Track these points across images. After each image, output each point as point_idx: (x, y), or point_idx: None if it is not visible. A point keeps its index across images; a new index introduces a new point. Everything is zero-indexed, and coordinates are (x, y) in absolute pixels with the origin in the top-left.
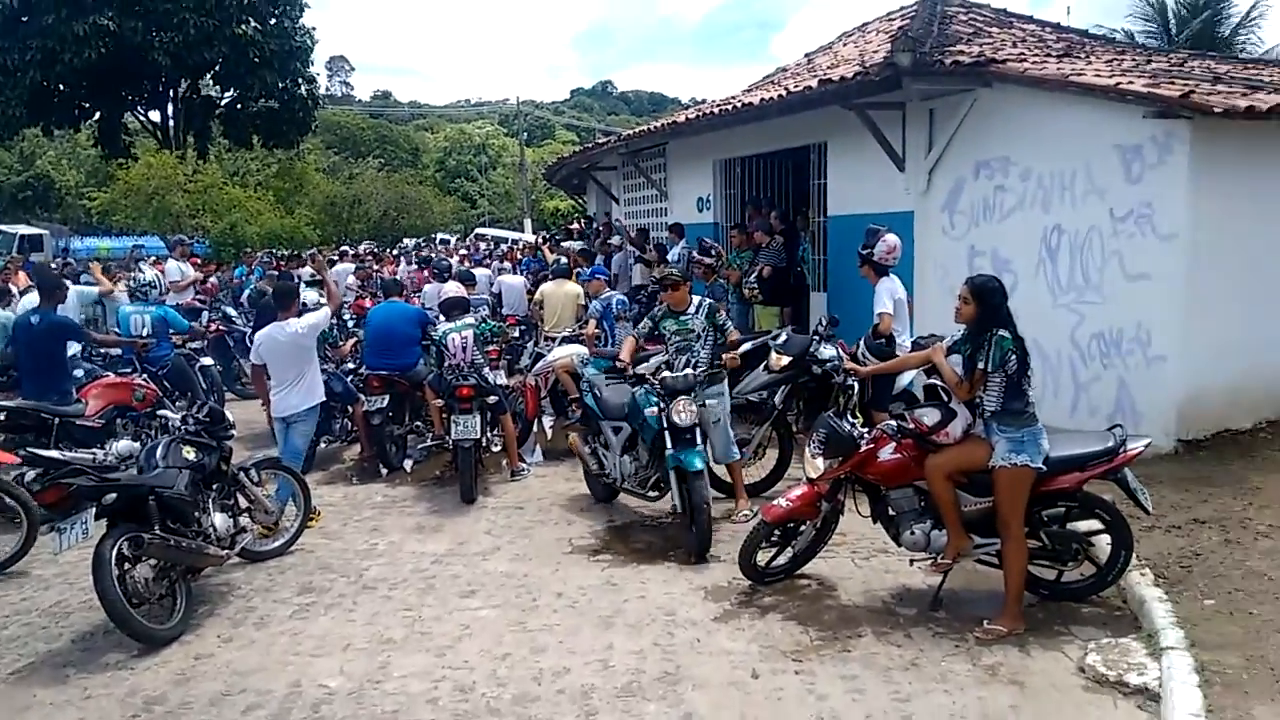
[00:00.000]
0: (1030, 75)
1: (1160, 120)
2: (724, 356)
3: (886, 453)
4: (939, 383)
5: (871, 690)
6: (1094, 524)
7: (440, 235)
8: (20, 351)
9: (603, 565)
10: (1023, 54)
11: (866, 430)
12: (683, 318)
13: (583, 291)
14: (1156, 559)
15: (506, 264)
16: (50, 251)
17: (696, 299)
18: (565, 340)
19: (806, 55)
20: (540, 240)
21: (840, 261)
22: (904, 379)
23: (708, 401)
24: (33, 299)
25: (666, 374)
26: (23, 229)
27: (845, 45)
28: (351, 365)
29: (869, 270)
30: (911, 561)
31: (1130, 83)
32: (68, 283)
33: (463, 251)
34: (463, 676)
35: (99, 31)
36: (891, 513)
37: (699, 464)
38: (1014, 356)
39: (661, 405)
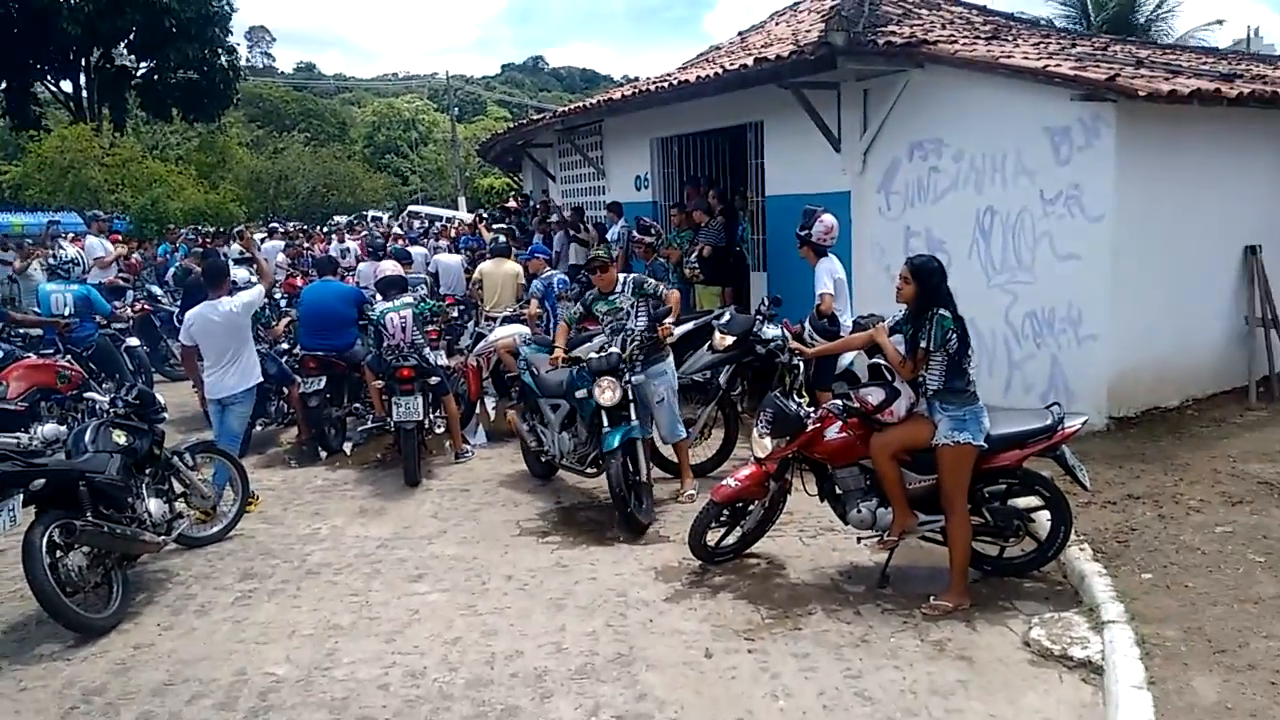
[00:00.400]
0: (961, 57)
1: (1087, 103)
2: (658, 329)
3: (833, 432)
4: (883, 362)
5: (823, 667)
6: (1034, 500)
7: (372, 212)
8: None
9: (552, 547)
10: (953, 36)
11: (812, 410)
12: (611, 297)
13: (522, 270)
14: (1094, 534)
15: (443, 242)
16: None
17: (623, 277)
18: (506, 320)
19: (740, 34)
20: (477, 219)
21: (779, 241)
22: (845, 358)
23: (651, 380)
24: None
25: (591, 355)
26: None
27: (778, 24)
28: (285, 345)
29: (808, 251)
30: (859, 539)
31: (1058, 65)
32: None
33: (397, 230)
34: (414, 662)
35: None
36: (838, 491)
37: (614, 442)
38: (955, 335)
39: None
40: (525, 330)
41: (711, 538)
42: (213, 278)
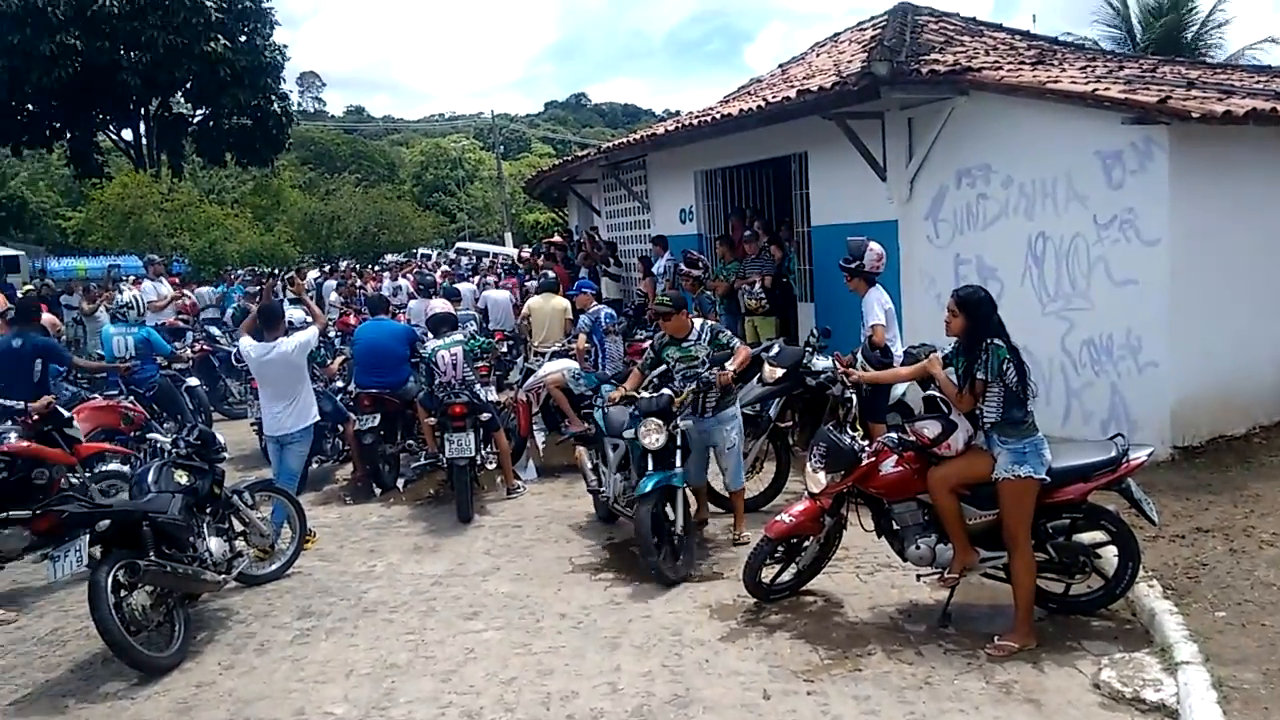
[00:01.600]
0: (1007, 83)
1: (1138, 126)
2: (716, 373)
3: (888, 466)
4: (938, 394)
5: (886, 711)
6: (1100, 535)
7: (422, 250)
8: (3, 375)
9: (605, 584)
10: (997, 62)
11: (866, 443)
12: (685, 344)
13: (570, 305)
14: (1164, 570)
15: (491, 278)
16: (27, 273)
17: (699, 323)
18: (555, 355)
19: (780, 66)
20: (531, 254)
21: (826, 272)
22: (897, 390)
23: (723, 426)
24: None
25: (643, 394)
26: None
27: (819, 56)
28: (340, 384)
29: (859, 282)
30: (918, 576)
31: (1106, 89)
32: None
33: (445, 267)
34: (470, 702)
35: (66, 51)
36: (895, 527)
37: (646, 486)
38: (1011, 366)
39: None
40: (574, 365)
41: (766, 574)
42: (268, 320)
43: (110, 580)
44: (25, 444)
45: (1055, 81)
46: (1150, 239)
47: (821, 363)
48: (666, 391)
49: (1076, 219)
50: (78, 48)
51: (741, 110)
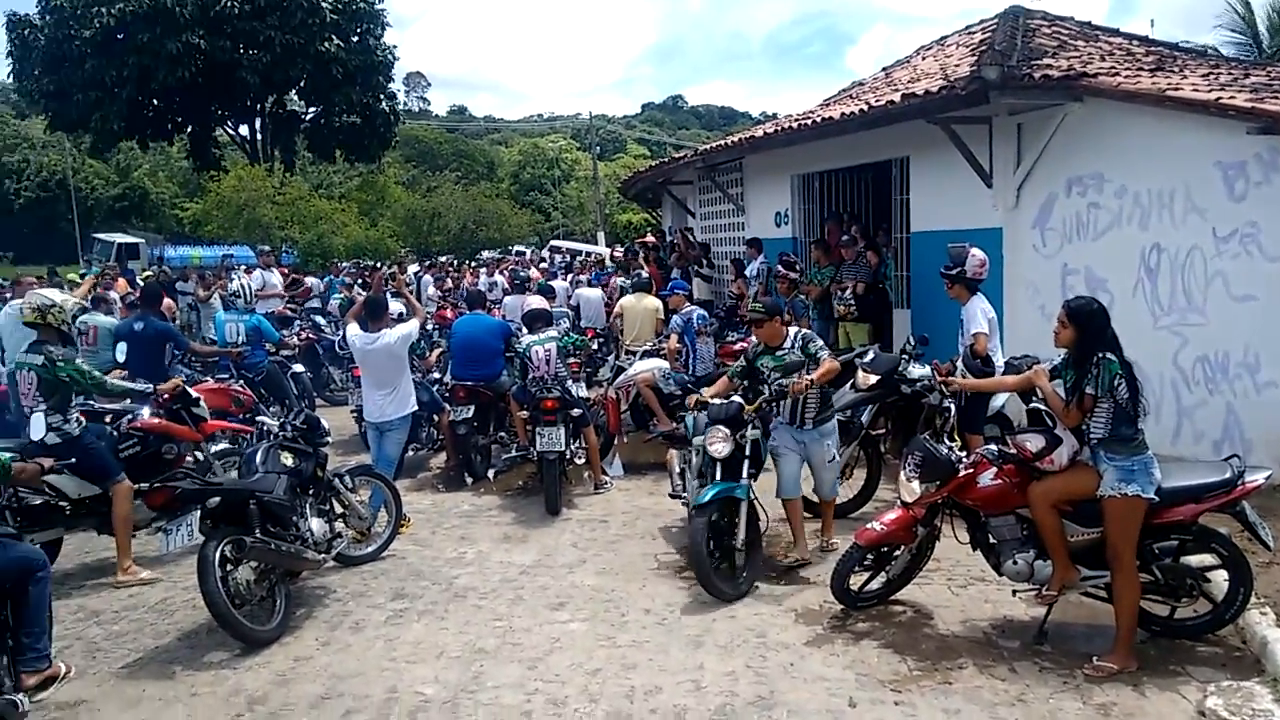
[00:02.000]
0: (1124, 90)
1: (1265, 136)
2: (790, 383)
3: (987, 478)
4: (1043, 407)
5: None
6: (1209, 559)
7: (517, 247)
8: (129, 358)
9: (690, 583)
10: (1114, 68)
11: (964, 454)
12: (779, 353)
13: (662, 306)
14: (1277, 597)
15: (583, 276)
16: (146, 259)
17: (793, 331)
18: (646, 354)
19: (884, 69)
20: (623, 254)
21: (924, 279)
22: (997, 401)
23: (824, 439)
24: None
25: (714, 401)
26: (120, 237)
27: (924, 59)
28: (437, 375)
29: (960, 289)
30: (1014, 592)
31: (1231, 98)
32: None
33: (543, 264)
34: (555, 690)
35: (190, 50)
36: (992, 540)
37: (703, 498)
38: (1123, 381)
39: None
40: (664, 365)
41: (855, 582)
42: (374, 311)
43: (218, 555)
44: (156, 420)
45: (1176, 89)
46: (1273, 254)
47: (918, 370)
48: (736, 399)
49: (1194, 231)
50: (201, 46)
51: (843, 113)
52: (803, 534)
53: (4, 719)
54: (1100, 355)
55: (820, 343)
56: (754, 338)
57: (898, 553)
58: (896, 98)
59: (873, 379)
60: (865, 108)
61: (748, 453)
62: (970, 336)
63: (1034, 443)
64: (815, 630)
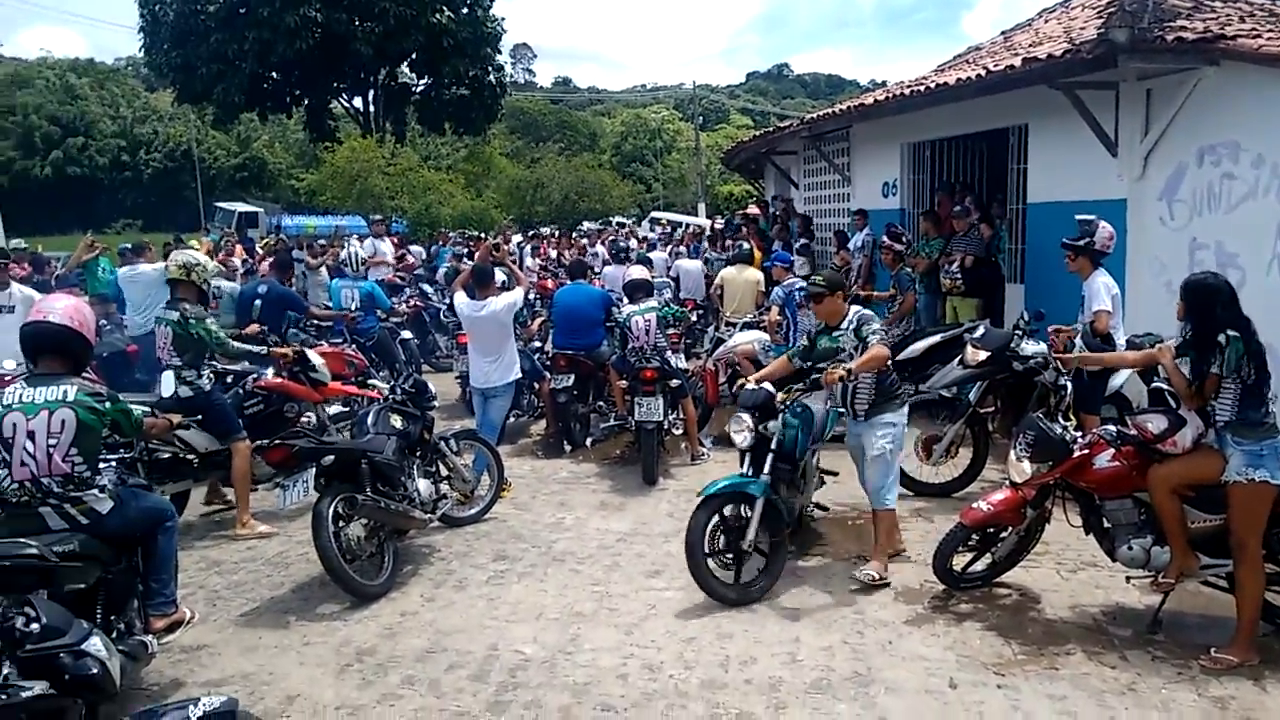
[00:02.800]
0: (1267, 53)
1: None
2: (823, 376)
3: (1103, 460)
4: (1165, 387)
5: (1083, 713)
6: None
7: (616, 219)
8: (261, 317)
9: (787, 557)
10: (1255, 29)
11: (1079, 434)
12: (835, 333)
13: (763, 278)
14: None
15: (683, 248)
16: (264, 228)
17: (853, 310)
18: (746, 326)
19: (1003, 33)
20: (726, 227)
21: (1040, 252)
22: (1116, 380)
23: (874, 430)
24: None
25: (749, 386)
26: (240, 206)
27: (1047, 22)
28: (538, 344)
29: (1084, 262)
30: (1127, 578)
31: None
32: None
33: (646, 233)
34: (650, 655)
35: (308, 23)
36: (1106, 525)
37: (709, 490)
38: (1251, 362)
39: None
40: (764, 337)
41: (958, 562)
42: (481, 280)
43: (331, 511)
44: (279, 381)
45: None
46: None
47: (1031, 347)
48: (766, 387)
49: None
50: (318, 20)
51: (959, 79)
52: (885, 545)
53: (134, 658)
54: (1226, 334)
55: (876, 325)
56: (813, 314)
57: (1004, 534)
58: (1016, 62)
59: (982, 355)
60: (983, 72)
61: (773, 445)
62: (1091, 313)
63: (1155, 424)
64: (915, 609)
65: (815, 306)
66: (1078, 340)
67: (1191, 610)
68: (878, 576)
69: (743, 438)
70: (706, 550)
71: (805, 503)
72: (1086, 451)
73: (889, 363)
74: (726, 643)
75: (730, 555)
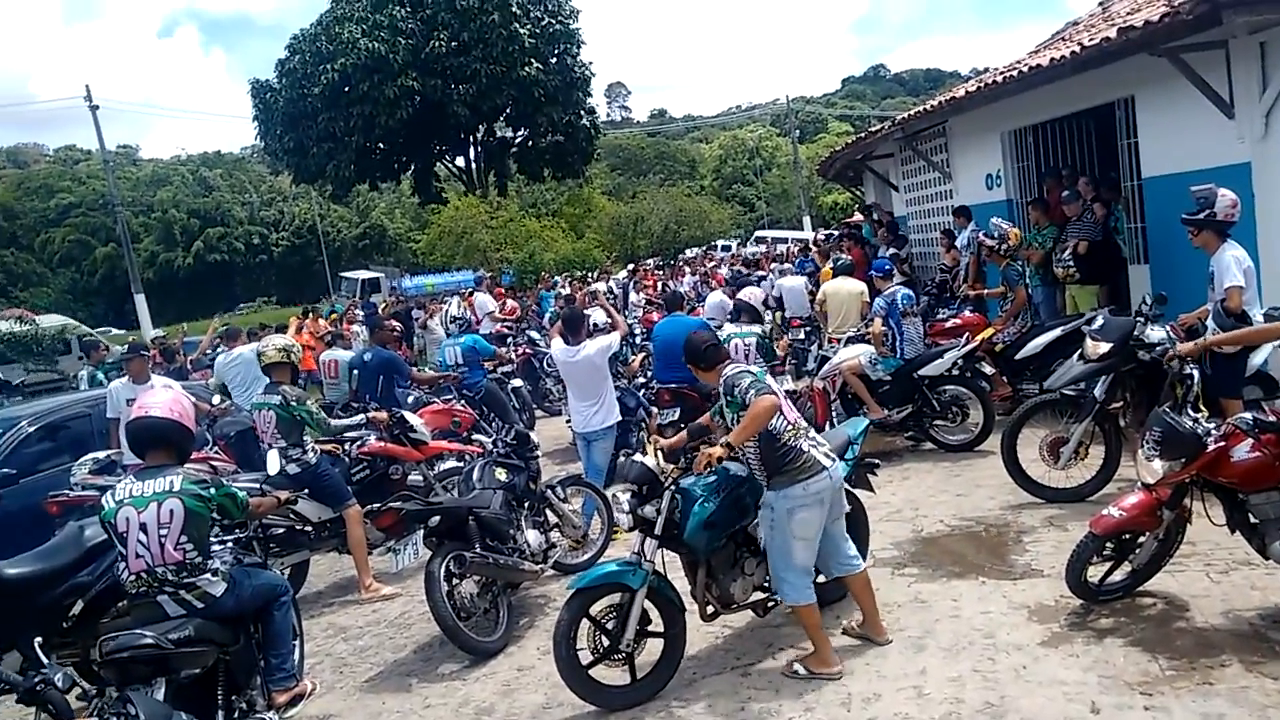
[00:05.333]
0: None
1: None
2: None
3: (1242, 451)
4: None
5: None
6: None
7: (721, 243)
8: (358, 385)
9: (909, 580)
10: None
11: (1214, 425)
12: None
13: (866, 289)
14: None
15: (786, 265)
16: (385, 291)
17: (727, 369)
18: (850, 340)
19: (1100, 4)
20: (823, 240)
21: (1162, 229)
22: (1256, 359)
23: (768, 509)
24: None
25: (633, 458)
26: (362, 274)
27: None
28: (642, 380)
29: (1209, 236)
30: None
31: None
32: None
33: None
34: (767, 699)
35: (406, 92)
36: (1254, 520)
37: (578, 585)
38: None
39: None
40: (870, 350)
41: (1093, 574)
42: (571, 325)
43: (443, 570)
44: (381, 444)
45: None
46: None
47: (1157, 334)
48: (639, 460)
49: None
50: (415, 88)
51: (1052, 59)
52: (819, 644)
53: None
54: None
55: (748, 382)
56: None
57: (1141, 540)
58: (1113, 34)
59: (1103, 348)
60: (1078, 49)
61: (658, 530)
62: (1223, 290)
63: None
64: (1051, 629)
65: (700, 375)
66: (1209, 321)
67: None
68: (803, 672)
69: (622, 518)
70: (591, 653)
71: (760, 581)
72: (1223, 444)
73: (779, 422)
74: (848, 680)
75: (619, 655)
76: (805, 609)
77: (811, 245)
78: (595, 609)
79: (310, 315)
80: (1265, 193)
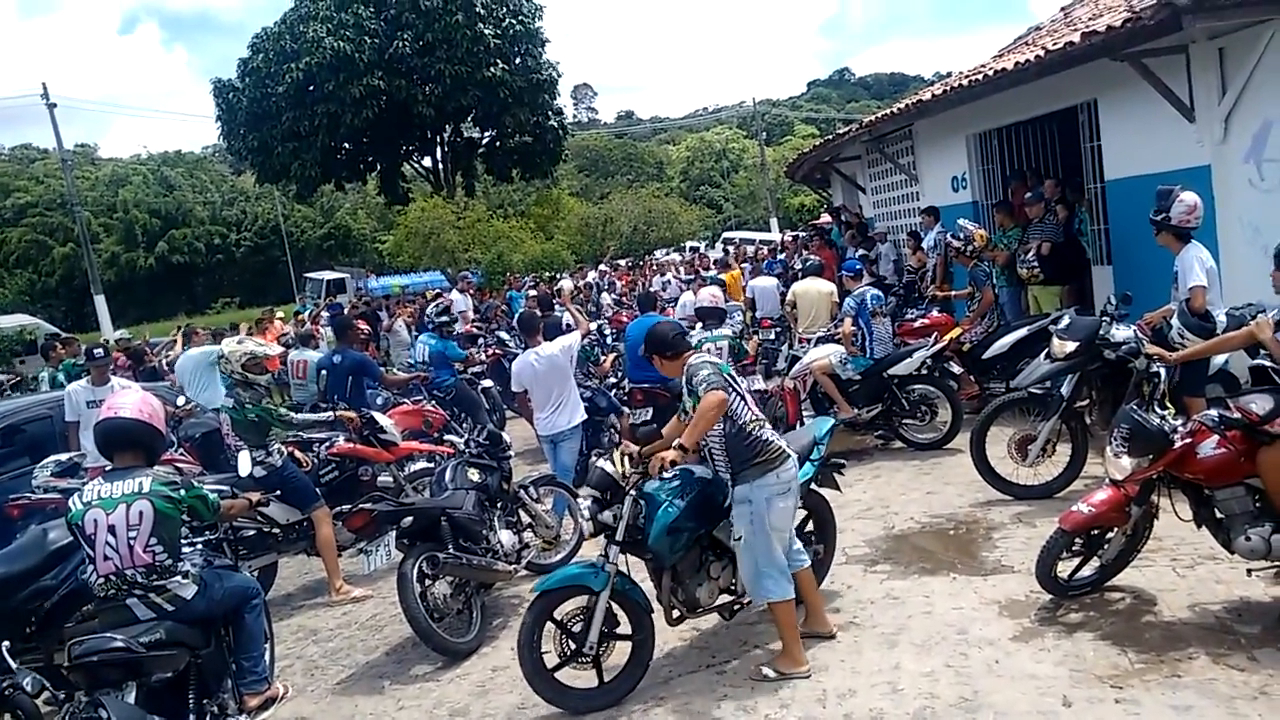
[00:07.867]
0: None
1: None
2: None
3: (1208, 448)
4: (1269, 364)
5: None
6: None
7: (690, 244)
8: (327, 386)
9: (881, 577)
10: None
11: (1180, 422)
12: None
13: (836, 289)
14: None
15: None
16: (351, 292)
17: (691, 359)
18: (820, 340)
19: (1062, 9)
20: (791, 240)
21: (1125, 230)
22: (1219, 358)
23: (737, 509)
24: None
25: (597, 463)
26: (327, 275)
27: None
28: (613, 380)
29: (1169, 237)
30: (1249, 571)
31: None
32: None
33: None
34: (743, 695)
35: (371, 92)
36: (1220, 515)
37: (542, 586)
38: None
39: None
40: (840, 350)
41: (1063, 569)
42: (525, 328)
43: (415, 571)
44: (351, 445)
45: None
46: None
47: (1122, 333)
48: (605, 465)
49: None
50: (381, 87)
51: (1017, 63)
52: (789, 642)
53: None
54: None
55: (706, 372)
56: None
57: (1110, 535)
58: (1076, 38)
59: (1070, 346)
60: (1041, 53)
61: (619, 536)
62: (1187, 291)
63: (1260, 404)
64: (1022, 624)
65: (664, 367)
66: (1174, 320)
67: None
68: (773, 674)
69: (586, 525)
70: (558, 656)
71: (726, 585)
72: (1189, 440)
73: (745, 414)
74: (823, 676)
75: (585, 658)
76: (784, 605)
77: (784, 245)
78: (560, 612)
79: (260, 324)
80: (1225, 194)
